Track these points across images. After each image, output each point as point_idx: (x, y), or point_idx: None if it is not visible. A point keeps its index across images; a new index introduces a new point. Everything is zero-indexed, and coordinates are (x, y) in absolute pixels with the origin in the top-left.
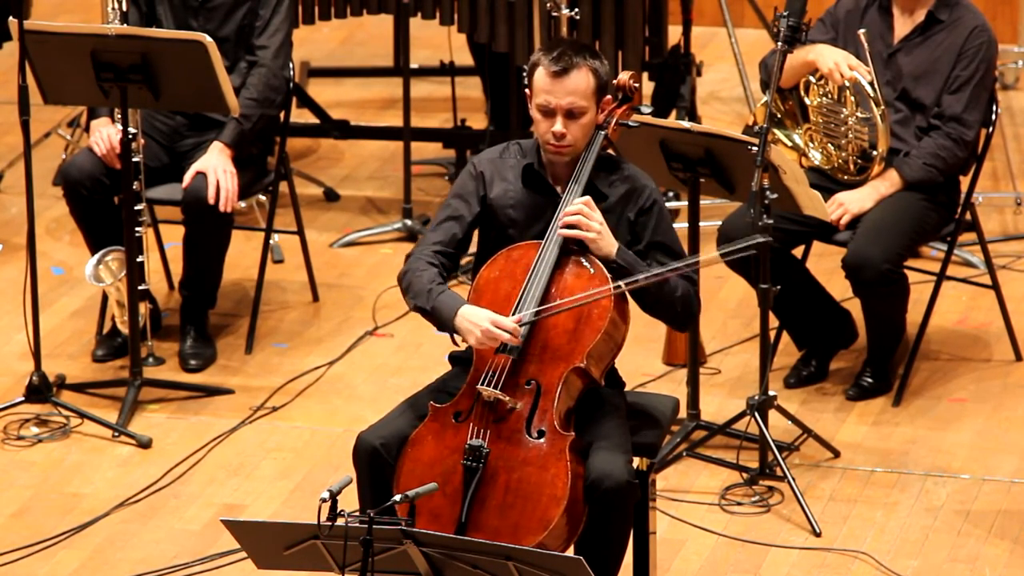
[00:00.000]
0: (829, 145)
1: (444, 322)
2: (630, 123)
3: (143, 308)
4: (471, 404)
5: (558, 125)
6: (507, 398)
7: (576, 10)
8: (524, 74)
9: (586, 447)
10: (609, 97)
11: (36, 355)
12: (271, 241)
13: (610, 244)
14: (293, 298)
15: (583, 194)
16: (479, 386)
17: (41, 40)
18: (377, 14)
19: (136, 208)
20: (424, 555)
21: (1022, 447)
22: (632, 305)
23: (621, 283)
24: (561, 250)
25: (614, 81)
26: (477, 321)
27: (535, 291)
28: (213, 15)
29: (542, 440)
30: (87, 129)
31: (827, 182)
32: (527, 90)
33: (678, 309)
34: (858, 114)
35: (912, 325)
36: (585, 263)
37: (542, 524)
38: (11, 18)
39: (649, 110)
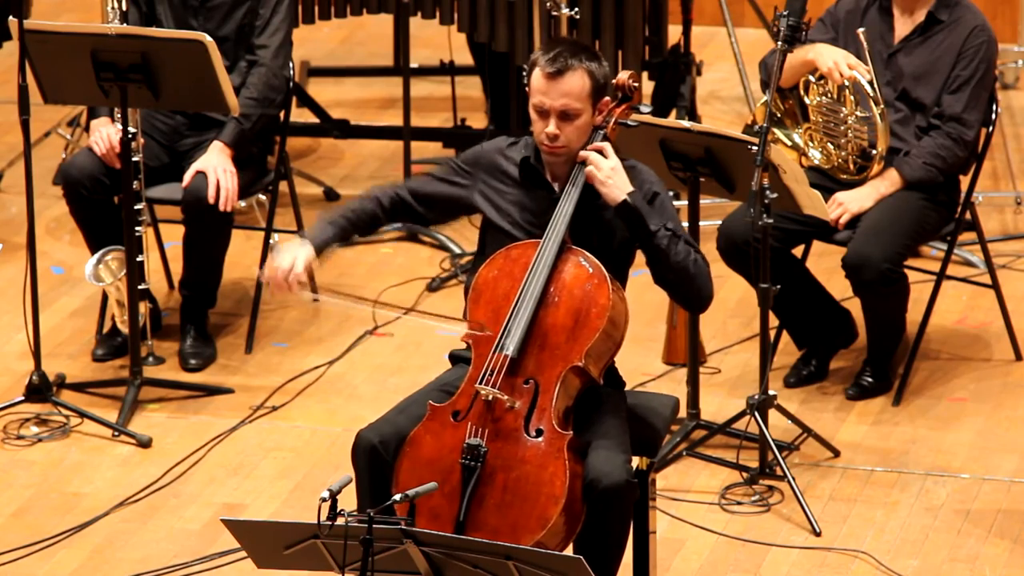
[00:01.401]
0: (829, 144)
1: None
2: (629, 122)
3: (143, 307)
4: (469, 403)
5: (551, 126)
6: (505, 397)
7: (576, 10)
8: (524, 73)
9: (585, 446)
10: (607, 99)
11: (36, 354)
12: (271, 240)
13: (621, 188)
14: (293, 297)
15: (581, 194)
16: (477, 385)
17: (41, 40)
18: (377, 13)
19: (136, 207)
20: (424, 555)
21: (1022, 447)
22: (632, 305)
23: None
24: (560, 248)
25: (613, 81)
26: (284, 251)
27: (534, 290)
28: (213, 14)
29: (540, 439)
30: (87, 129)
31: (827, 181)
32: (527, 88)
33: (691, 272)
34: (857, 113)
35: (912, 325)
36: (583, 261)
37: (540, 523)
38: (11, 18)
39: (648, 109)
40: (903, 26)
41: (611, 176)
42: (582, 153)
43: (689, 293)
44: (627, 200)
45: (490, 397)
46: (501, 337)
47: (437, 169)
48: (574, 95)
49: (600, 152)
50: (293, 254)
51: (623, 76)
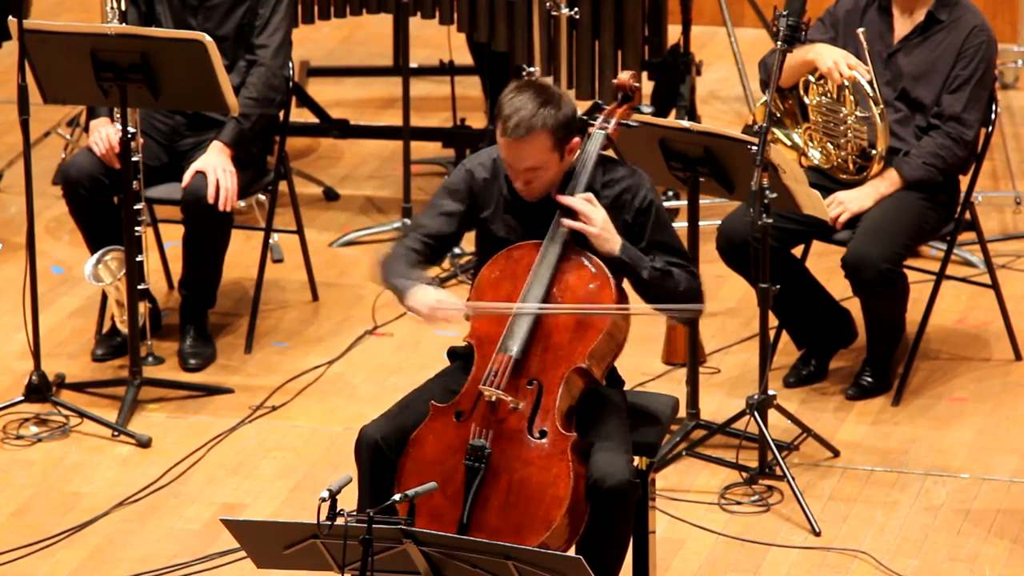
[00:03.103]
0: (828, 144)
1: (400, 301)
2: (631, 123)
3: (142, 307)
4: (473, 404)
5: (520, 182)
6: (509, 398)
7: (576, 10)
8: None
9: (587, 447)
10: (578, 139)
11: (36, 354)
12: (271, 240)
13: (613, 241)
14: (293, 297)
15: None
16: (481, 386)
17: (41, 39)
18: (376, 13)
19: (135, 207)
20: (424, 554)
21: (1022, 446)
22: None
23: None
24: (562, 249)
25: (614, 81)
26: (424, 301)
27: (536, 290)
28: (212, 14)
29: (544, 440)
30: (86, 129)
31: (826, 181)
32: (495, 128)
33: (680, 302)
34: (857, 113)
35: (912, 324)
36: (586, 262)
37: (544, 524)
38: (11, 17)
39: (649, 110)
40: (902, 26)
41: (604, 229)
42: (570, 220)
43: (678, 315)
44: (620, 257)
45: (494, 398)
46: (504, 338)
47: (435, 204)
48: (536, 156)
49: (587, 203)
50: (428, 300)
51: (624, 76)
